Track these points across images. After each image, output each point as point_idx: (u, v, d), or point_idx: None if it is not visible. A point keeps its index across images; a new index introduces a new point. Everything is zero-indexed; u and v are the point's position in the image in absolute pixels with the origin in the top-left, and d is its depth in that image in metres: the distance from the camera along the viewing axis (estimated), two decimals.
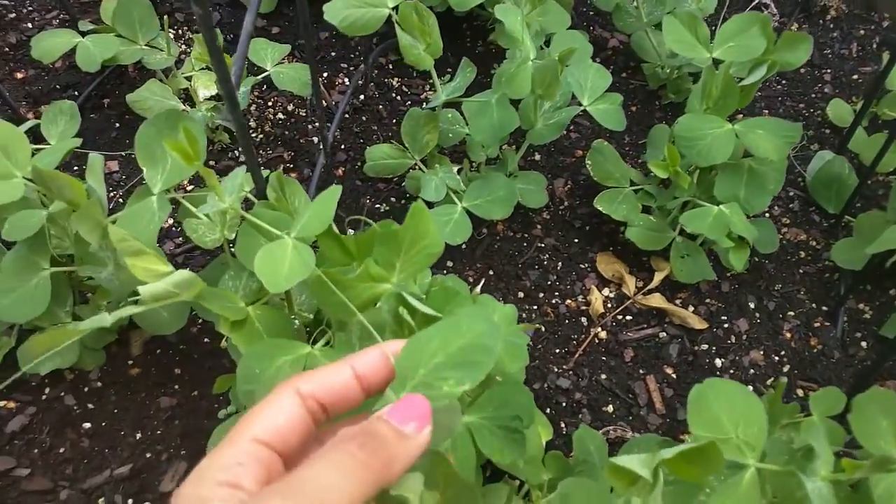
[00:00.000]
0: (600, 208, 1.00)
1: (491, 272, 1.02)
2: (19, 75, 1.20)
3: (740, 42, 0.89)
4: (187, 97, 1.14)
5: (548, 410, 0.89)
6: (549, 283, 1.01)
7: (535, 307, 0.99)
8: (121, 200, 1.06)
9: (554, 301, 0.99)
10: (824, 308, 1.00)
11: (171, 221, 1.04)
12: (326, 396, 0.43)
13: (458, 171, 1.00)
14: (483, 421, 0.66)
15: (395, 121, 1.18)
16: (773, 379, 0.93)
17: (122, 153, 1.12)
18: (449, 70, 1.20)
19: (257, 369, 0.60)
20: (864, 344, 0.96)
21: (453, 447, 0.65)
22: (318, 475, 0.37)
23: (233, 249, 0.70)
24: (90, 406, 0.88)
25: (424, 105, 1.00)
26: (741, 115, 1.15)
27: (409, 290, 0.64)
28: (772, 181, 0.92)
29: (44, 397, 0.88)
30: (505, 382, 0.67)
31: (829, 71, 1.27)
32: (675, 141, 0.88)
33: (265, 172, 0.71)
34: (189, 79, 1.13)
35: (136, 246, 0.56)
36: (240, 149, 1.14)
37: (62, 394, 0.88)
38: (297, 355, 0.61)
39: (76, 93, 1.18)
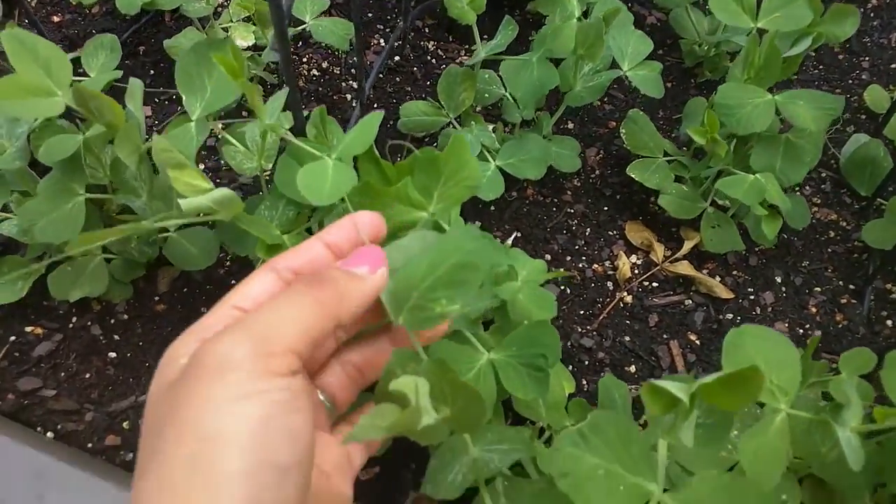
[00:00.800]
0: (634, 176, 0.99)
1: (519, 234, 1.02)
2: (56, 19, 1.21)
3: (786, 12, 0.88)
4: None
5: (570, 367, 0.89)
6: (576, 247, 1.01)
7: (562, 270, 0.98)
8: None
9: (581, 265, 0.99)
10: (851, 286, 0.99)
11: (201, 166, 1.05)
12: (300, 267, 0.46)
13: (493, 131, 1.00)
14: (507, 358, 0.66)
15: (428, 83, 1.18)
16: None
17: (156, 99, 1.13)
18: (485, 37, 1.20)
19: None
20: (889, 322, 0.95)
21: (475, 381, 0.65)
22: (271, 309, 0.41)
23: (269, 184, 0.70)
24: (116, 337, 0.88)
25: (463, 64, 1.00)
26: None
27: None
28: (808, 154, 0.91)
29: (71, 326, 0.88)
30: (532, 323, 0.67)
31: (867, 59, 1.26)
32: (715, 108, 0.88)
33: None
34: (226, 30, 1.14)
35: (179, 158, 0.57)
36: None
37: (89, 323, 0.89)
38: None
39: (107, 34, 1.18)
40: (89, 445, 0.79)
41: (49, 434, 0.80)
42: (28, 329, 0.88)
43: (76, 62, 0.91)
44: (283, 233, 0.68)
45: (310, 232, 0.76)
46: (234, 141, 0.73)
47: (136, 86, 0.74)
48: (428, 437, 0.57)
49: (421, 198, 0.59)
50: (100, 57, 0.91)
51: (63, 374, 0.84)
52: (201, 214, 0.62)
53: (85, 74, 0.92)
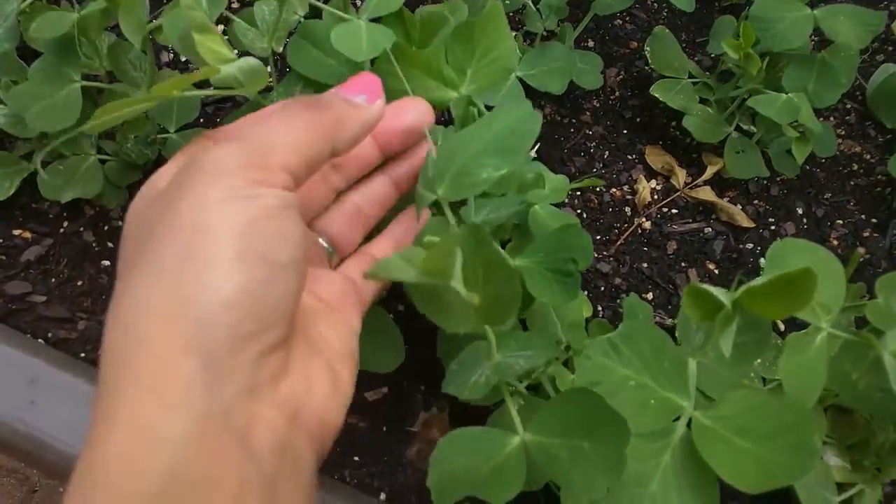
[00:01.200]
0: (657, 95, 0.95)
1: (535, 154, 0.97)
2: None
3: None
4: None
5: (586, 293, 0.86)
6: (594, 170, 0.97)
7: (579, 193, 0.94)
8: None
9: (598, 189, 0.95)
10: (874, 220, 0.96)
11: None
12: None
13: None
14: (533, 264, 0.62)
15: None
16: None
17: None
18: None
19: None
20: None
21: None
22: (266, 125, 0.41)
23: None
24: (110, 244, 0.84)
25: None
26: None
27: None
28: (843, 75, 0.87)
29: (62, 230, 0.84)
30: (563, 226, 0.63)
31: None
32: (751, 21, 0.83)
33: None
34: None
35: (205, 20, 0.51)
36: None
37: (81, 229, 0.84)
38: None
39: None
40: (82, 355, 0.75)
41: (40, 341, 0.75)
42: (16, 232, 0.83)
43: None
44: None
45: None
46: (238, 20, 0.67)
47: None
48: (453, 320, 0.52)
49: (453, 75, 0.55)
50: None
51: (54, 280, 0.80)
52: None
53: None
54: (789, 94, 0.85)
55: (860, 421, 0.72)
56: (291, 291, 0.38)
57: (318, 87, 0.62)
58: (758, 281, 0.46)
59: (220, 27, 0.94)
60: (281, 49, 0.67)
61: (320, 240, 0.52)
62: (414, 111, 0.52)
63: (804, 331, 0.57)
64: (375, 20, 0.55)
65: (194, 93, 0.50)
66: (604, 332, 0.72)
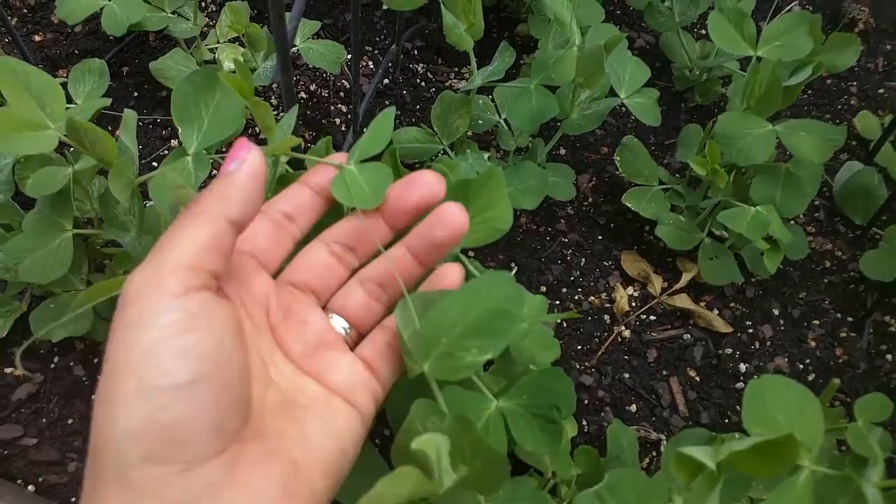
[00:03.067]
0: (629, 205, 0.98)
1: (513, 265, 0.99)
2: (37, 38, 1.16)
3: (787, 41, 0.88)
4: None
5: None
6: (572, 278, 0.99)
7: (558, 302, 0.97)
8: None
9: (577, 297, 0.97)
10: (849, 318, 0.98)
11: None
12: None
13: (488, 160, 0.98)
14: (517, 407, 0.63)
15: (418, 107, 1.16)
16: None
17: (140, 122, 1.09)
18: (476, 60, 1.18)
19: None
20: (889, 357, 0.95)
21: (485, 432, 0.63)
22: (165, 235, 0.42)
23: None
24: (100, 378, 0.84)
25: (457, 90, 0.98)
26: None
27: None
28: (808, 185, 0.91)
29: (52, 366, 0.84)
30: (544, 370, 0.65)
31: (854, 83, 1.26)
32: (715, 138, 0.86)
33: None
34: (213, 51, 1.11)
35: (191, 195, 0.54)
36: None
37: (71, 364, 0.85)
38: None
39: (95, 59, 1.15)
40: (73, 499, 0.75)
41: (30, 487, 0.75)
42: (7, 370, 0.83)
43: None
44: None
45: None
46: None
47: (129, 117, 0.71)
48: (443, 499, 0.55)
49: None
50: (87, 83, 0.87)
51: (44, 419, 0.80)
52: None
53: (70, 100, 0.88)
54: (758, 208, 0.88)
55: None
56: (208, 405, 0.38)
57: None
58: (742, 444, 0.47)
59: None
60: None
61: (333, 322, 0.51)
62: (423, 186, 0.51)
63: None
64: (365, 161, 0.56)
65: None
66: (589, 460, 0.73)
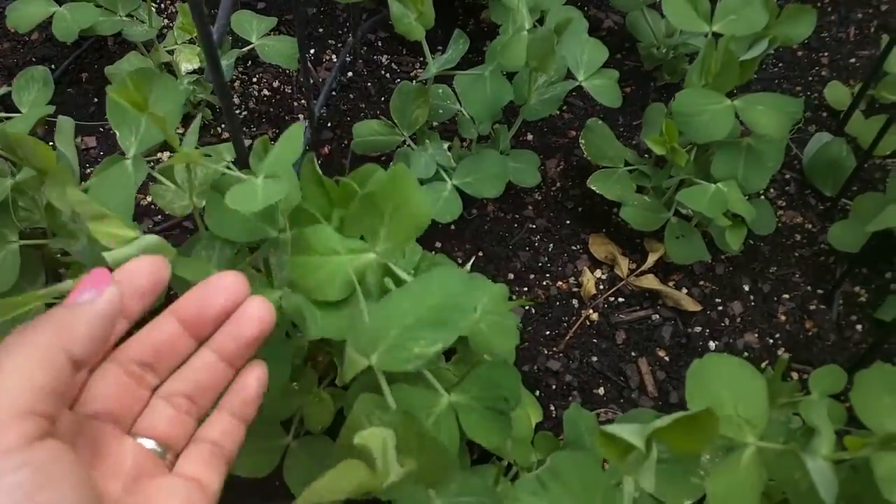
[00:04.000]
0: (594, 188, 0.97)
1: (481, 253, 0.99)
2: None
3: (742, 15, 0.86)
4: (169, 71, 1.11)
5: (537, 393, 0.87)
6: (539, 264, 0.98)
7: (526, 289, 0.96)
8: None
9: (545, 283, 0.97)
10: (820, 291, 0.98)
11: (149, 199, 1.01)
12: (148, 355, 0.45)
13: (449, 149, 0.97)
14: (468, 401, 0.63)
15: (383, 98, 1.15)
16: (766, 362, 0.91)
17: (101, 129, 1.09)
18: (440, 48, 1.17)
19: None
20: (859, 327, 0.94)
21: (436, 428, 0.63)
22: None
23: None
24: None
25: (415, 80, 0.97)
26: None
27: (396, 261, 0.61)
28: (771, 159, 0.90)
29: None
30: (492, 362, 0.65)
31: (826, 54, 1.25)
32: (673, 117, 0.85)
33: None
34: (171, 52, 1.10)
35: (98, 209, 0.53)
36: (224, 125, 1.10)
37: None
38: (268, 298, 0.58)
39: (53, 66, 1.14)
40: None
41: None
42: None
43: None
44: None
45: (257, 270, 0.73)
46: (162, 179, 0.69)
47: (65, 124, 0.70)
48: (392, 493, 0.54)
49: (361, 241, 0.57)
50: (31, 91, 0.86)
51: None
52: None
53: (16, 110, 0.88)
54: (718, 185, 0.87)
55: None
56: None
57: (240, 244, 0.64)
58: (664, 422, 0.47)
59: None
60: (203, 203, 0.68)
61: (145, 444, 0.45)
62: (224, 290, 0.47)
63: (732, 446, 0.58)
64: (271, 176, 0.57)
65: None
66: (549, 446, 0.73)
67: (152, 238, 0.56)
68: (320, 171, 0.57)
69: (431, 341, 0.50)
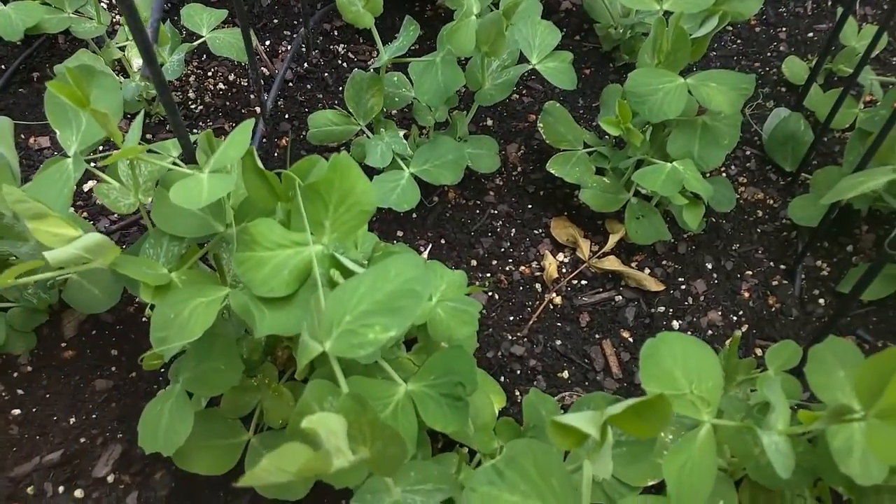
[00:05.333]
0: (553, 171, 0.96)
1: (443, 241, 0.98)
2: None
3: None
4: (121, 69, 1.09)
5: (502, 379, 0.86)
6: (502, 250, 0.98)
7: (489, 275, 0.95)
8: None
9: (508, 268, 0.96)
10: (782, 266, 0.98)
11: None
12: None
13: (406, 137, 0.96)
14: (425, 389, 0.62)
15: (340, 88, 1.14)
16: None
17: (55, 130, 1.07)
18: (397, 36, 1.16)
19: (172, 314, 0.56)
20: (822, 301, 0.94)
21: (394, 416, 0.62)
22: None
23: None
24: (19, 392, 0.83)
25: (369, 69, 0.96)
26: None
27: (346, 252, 0.60)
28: (726, 136, 0.89)
29: None
30: (447, 349, 0.64)
31: (784, 29, 1.25)
32: (627, 97, 0.85)
33: None
34: (123, 49, 1.08)
35: (37, 208, 0.52)
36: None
37: None
38: (213, 297, 0.58)
39: (2, 67, 1.12)
40: None
41: None
42: None
43: None
44: (171, 270, 0.64)
45: (210, 267, 0.71)
46: (104, 177, 0.68)
47: (3, 124, 0.69)
48: (343, 479, 0.54)
49: (306, 232, 0.56)
50: None
51: None
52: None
53: None
54: (674, 164, 0.87)
55: (777, 490, 0.72)
56: None
57: (188, 240, 0.63)
58: (617, 408, 0.46)
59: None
60: (149, 201, 0.67)
61: None
62: None
63: (687, 424, 0.57)
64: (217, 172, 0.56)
65: (44, 276, 0.50)
66: (511, 432, 0.73)
67: (95, 236, 0.55)
68: (261, 164, 0.56)
69: (385, 327, 0.49)
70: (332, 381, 0.53)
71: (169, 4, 1.22)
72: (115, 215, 0.98)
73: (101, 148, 0.69)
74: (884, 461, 0.53)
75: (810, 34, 1.25)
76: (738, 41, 1.24)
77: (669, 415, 0.46)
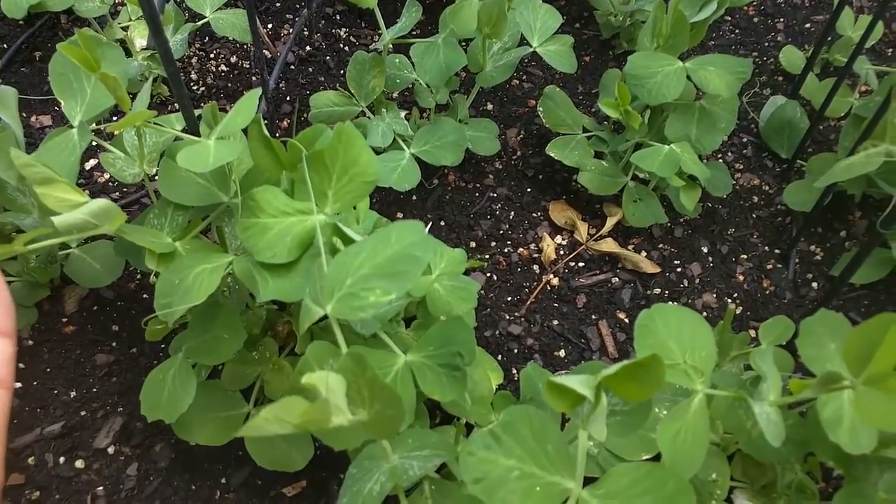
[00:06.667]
0: (552, 154, 0.97)
1: (442, 223, 0.99)
2: None
3: None
4: (124, 48, 1.09)
5: (499, 357, 0.87)
6: (501, 232, 0.99)
7: (487, 256, 0.96)
8: None
9: (506, 250, 0.97)
10: (777, 251, 0.99)
11: (107, 176, 1.00)
12: None
13: (407, 119, 0.97)
14: (424, 359, 0.63)
15: (342, 71, 1.14)
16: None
17: (56, 107, 1.08)
18: (398, 19, 1.17)
19: (176, 280, 0.57)
20: (815, 285, 0.95)
21: (393, 386, 0.63)
22: None
23: (156, 189, 0.66)
24: (21, 365, 0.84)
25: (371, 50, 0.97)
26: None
27: (346, 222, 0.61)
28: (723, 120, 0.90)
29: None
30: (447, 320, 0.65)
31: (781, 20, 1.26)
32: (626, 80, 0.86)
33: None
34: (126, 29, 1.09)
35: (45, 172, 0.53)
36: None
37: None
38: (217, 263, 0.58)
39: (5, 45, 1.13)
40: None
41: None
42: None
43: None
44: (175, 240, 0.64)
45: (207, 236, 0.72)
46: (110, 147, 0.69)
47: (7, 93, 0.70)
48: (342, 440, 0.55)
49: (310, 201, 0.57)
50: None
51: None
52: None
53: None
54: (671, 146, 0.88)
55: (768, 463, 0.73)
56: None
57: (192, 210, 0.64)
58: (612, 370, 0.47)
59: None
60: (154, 171, 0.68)
61: None
62: None
63: (681, 393, 0.59)
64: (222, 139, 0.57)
65: (51, 242, 0.51)
66: (507, 405, 0.74)
67: (101, 202, 0.55)
68: (267, 133, 0.56)
69: (386, 290, 0.50)
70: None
71: None
72: (117, 193, 0.99)
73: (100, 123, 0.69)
74: (872, 425, 0.55)
75: (807, 25, 1.26)
76: (737, 31, 1.25)
77: (663, 376, 0.47)
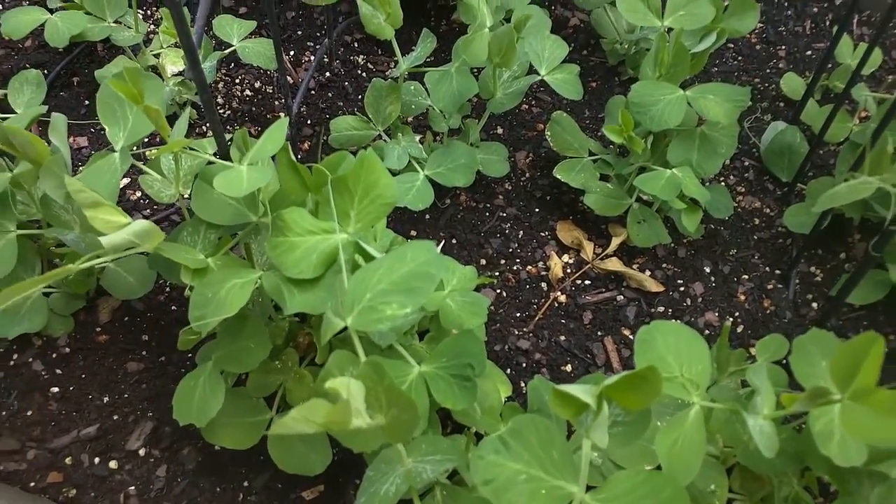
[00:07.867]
0: (559, 177, 1.02)
1: (454, 241, 1.04)
2: None
3: (690, 10, 0.92)
4: (156, 74, 1.15)
5: (508, 371, 0.92)
6: (510, 250, 1.03)
7: (497, 273, 1.01)
8: None
9: (515, 267, 1.02)
10: (777, 271, 1.03)
11: (139, 194, 1.06)
12: None
13: (421, 142, 1.02)
14: (437, 370, 0.68)
15: (360, 97, 1.20)
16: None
17: (92, 129, 1.14)
18: (413, 48, 1.22)
19: (209, 293, 0.62)
20: (814, 305, 0.99)
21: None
22: None
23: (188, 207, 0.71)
24: (58, 371, 0.89)
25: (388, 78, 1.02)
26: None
27: (366, 240, 0.66)
28: (723, 145, 0.95)
29: (11, 363, 0.89)
30: (459, 333, 0.70)
31: (783, 47, 1.31)
32: (630, 107, 0.91)
33: None
34: (157, 56, 1.15)
35: (94, 197, 0.58)
36: (208, 124, 1.15)
37: (30, 360, 0.89)
38: (248, 278, 0.63)
39: (46, 72, 1.19)
40: (31, 484, 0.80)
41: None
42: None
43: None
44: (207, 256, 0.69)
45: (241, 258, 0.77)
46: (148, 170, 0.74)
47: (58, 120, 0.75)
48: (361, 442, 0.59)
49: (333, 221, 0.62)
50: (25, 93, 0.91)
51: (4, 412, 0.85)
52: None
53: (11, 111, 0.92)
54: (673, 170, 0.93)
55: (766, 475, 0.77)
56: None
57: (224, 228, 0.69)
58: (612, 379, 0.52)
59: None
60: (188, 193, 0.73)
61: None
62: None
63: (678, 405, 0.63)
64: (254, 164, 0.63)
65: (88, 264, 0.56)
66: (515, 415, 0.78)
67: (143, 223, 0.61)
68: (295, 159, 0.62)
69: (402, 304, 0.55)
70: None
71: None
72: (148, 210, 1.05)
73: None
74: (858, 439, 0.58)
75: (808, 52, 1.30)
76: (739, 58, 1.29)
77: (660, 386, 0.51)
